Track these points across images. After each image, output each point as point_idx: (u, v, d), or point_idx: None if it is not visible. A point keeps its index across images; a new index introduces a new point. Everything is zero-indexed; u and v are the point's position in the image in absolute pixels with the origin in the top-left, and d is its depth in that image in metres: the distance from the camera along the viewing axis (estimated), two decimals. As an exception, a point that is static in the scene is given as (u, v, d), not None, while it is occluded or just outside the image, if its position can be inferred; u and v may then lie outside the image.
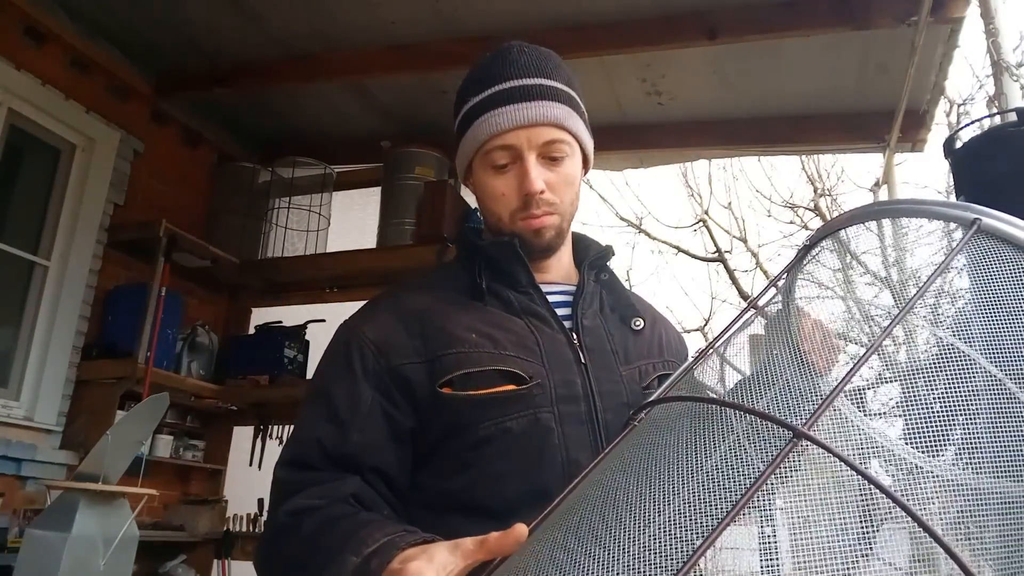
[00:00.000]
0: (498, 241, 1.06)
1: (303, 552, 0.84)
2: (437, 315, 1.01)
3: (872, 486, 0.47)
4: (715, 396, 0.74)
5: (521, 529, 0.65)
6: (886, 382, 0.66)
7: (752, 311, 0.79)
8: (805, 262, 0.79)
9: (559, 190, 1.04)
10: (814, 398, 0.57)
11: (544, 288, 1.06)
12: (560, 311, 1.05)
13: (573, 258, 1.15)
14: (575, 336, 1.03)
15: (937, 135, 3.36)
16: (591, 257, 1.12)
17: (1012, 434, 0.57)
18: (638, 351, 1.08)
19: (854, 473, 0.48)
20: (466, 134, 1.06)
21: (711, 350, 0.77)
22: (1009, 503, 0.55)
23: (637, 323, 1.10)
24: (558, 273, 1.11)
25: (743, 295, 9.27)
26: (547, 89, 1.03)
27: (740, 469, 0.50)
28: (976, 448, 0.57)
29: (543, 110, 1.01)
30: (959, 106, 6.64)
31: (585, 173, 1.12)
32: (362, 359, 0.98)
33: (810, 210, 9.19)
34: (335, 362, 1.01)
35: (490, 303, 1.03)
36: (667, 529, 0.47)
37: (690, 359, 0.78)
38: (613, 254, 1.15)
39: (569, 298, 1.08)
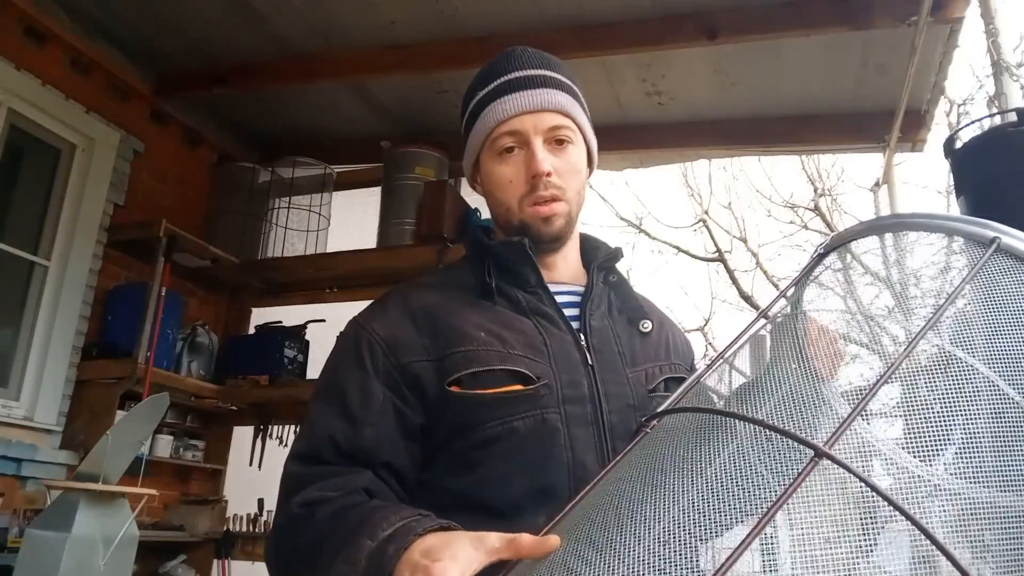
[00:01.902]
0: (507, 241, 1.06)
1: (317, 539, 0.83)
2: (446, 313, 1.01)
3: (892, 506, 0.47)
4: (723, 403, 0.73)
5: (555, 540, 0.63)
6: (887, 383, 0.66)
7: (763, 321, 0.79)
8: (815, 273, 0.79)
9: (565, 176, 1.05)
10: (825, 408, 0.57)
11: (552, 288, 1.06)
12: (568, 312, 1.05)
13: (581, 259, 1.15)
14: (583, 337, 1.03)
15: (937, 135, 3.35)
16: (600, 259, 1.11)
17: None
18: (645, 353, 1.07)
19: (863, 485, 0.48)
20: (473, 127, 1.08)
21: (722, 360, 0.77)
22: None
23: (645, 325, 1.10)
24: (566, 273, 1.11)
25: (743, 295, 9.28)
26: (551, 79, 1.06)
27: (754, 481, 0.50)
28: (981, 461, 0.57)
29: (548, 97, 1.04)
30: (959, 106, 6.65)
31: (590, 173, 1.13)
32: (372, 356, 0.98)
33: (810, 210, 9.21)
34: (346, 358, 1.00)
35: (499, 302, 1.03)
36: (684, 539, 0.47)
37: (701, 368, 0.78)
38: (622, 256, 1.15)
39: (577, 299, 1.08)
